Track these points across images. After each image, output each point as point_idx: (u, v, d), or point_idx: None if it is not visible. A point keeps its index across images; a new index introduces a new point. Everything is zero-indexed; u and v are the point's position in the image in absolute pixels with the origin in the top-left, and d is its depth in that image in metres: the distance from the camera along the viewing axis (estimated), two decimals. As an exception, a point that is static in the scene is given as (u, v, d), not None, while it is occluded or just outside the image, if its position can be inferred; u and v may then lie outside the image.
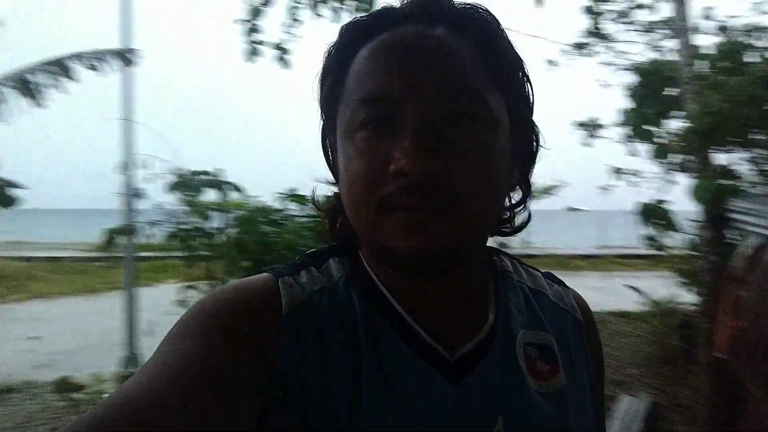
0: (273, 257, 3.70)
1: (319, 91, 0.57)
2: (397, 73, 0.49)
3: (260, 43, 6.14)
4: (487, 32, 0.53)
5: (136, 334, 4.56)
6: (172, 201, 3.66)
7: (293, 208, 4.57)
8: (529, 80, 0.57)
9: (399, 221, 0.48)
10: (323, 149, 0.60)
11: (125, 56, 3.70)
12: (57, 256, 15.96)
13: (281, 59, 6.32)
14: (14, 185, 2.97)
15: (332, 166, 0.59)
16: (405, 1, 0.54)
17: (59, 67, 3.43)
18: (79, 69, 3.54)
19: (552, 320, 0.61)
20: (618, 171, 5.38)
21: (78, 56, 3.54)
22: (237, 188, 3.85)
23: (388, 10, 0.54)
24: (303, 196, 4.68)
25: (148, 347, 4.83)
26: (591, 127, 8.90)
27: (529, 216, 0.62)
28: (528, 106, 0.57)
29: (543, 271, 0.69)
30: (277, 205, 4.33)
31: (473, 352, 0.54)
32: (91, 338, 7.32)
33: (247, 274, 0.67)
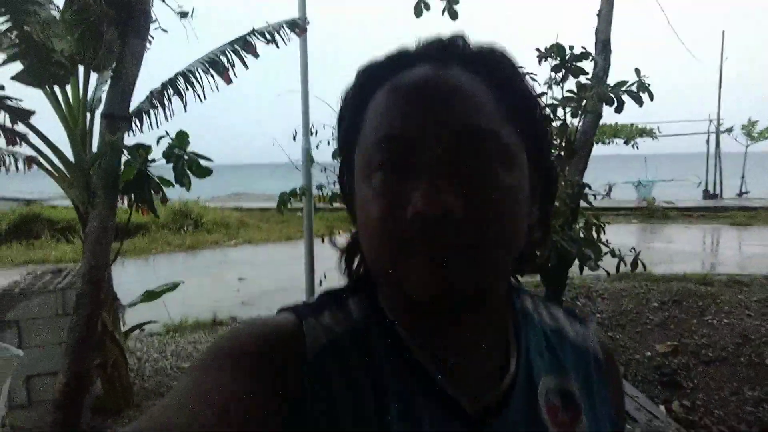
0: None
1: (336, 133, 0.58)
2: (412, 113, 0.49)
3: (429, -5, 6.12)
4: (502, 72, 0.53)
5: (314, 280, 5.10)
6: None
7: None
8: (546, 120, 0.57)
9: (418, 264, 0.47)
10: (341, 189, 0.60)
11: (297, 25, 3.95)
12: (266, 207, 18.07)
13: (451, 10, 6.23)
14: (206, 158, 3.42)
15: (350, 206, 0.58)
16: (420, 43, 0.55)
17: (242, 44, 3.80)
18: (258, 44, 3.88)
19: (573, 362, 0.60)
20: None
21: (257, 31, 3.88)
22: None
23: (403, 52, 0.55)
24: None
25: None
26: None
27: (550, 254, 0.56)
28: (545, 146, 0.57)
29: (564, 307, 0.68)
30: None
31: (495, 402, 0.53)
32: (284, 282, 8.31)
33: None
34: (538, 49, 4.43)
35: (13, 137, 3.39)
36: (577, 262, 4.04)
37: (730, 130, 21.37)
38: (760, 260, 9.75)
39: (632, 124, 17.78)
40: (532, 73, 4.26)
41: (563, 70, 4.30)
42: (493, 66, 0.53)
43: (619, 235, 11.16)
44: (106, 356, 3.66)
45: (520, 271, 0.60)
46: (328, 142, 4.31)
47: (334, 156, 3.81)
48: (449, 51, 0.53)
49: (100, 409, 3.76)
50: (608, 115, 4.28)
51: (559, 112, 4.39)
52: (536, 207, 0.56)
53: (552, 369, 0.58)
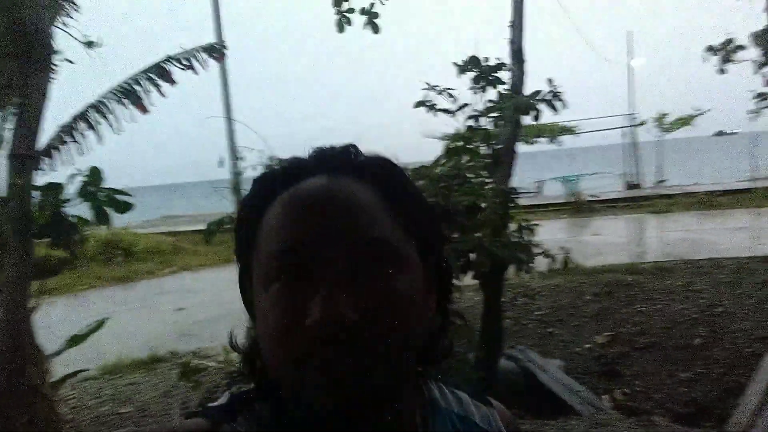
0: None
1: (235, 241, 0.59)
2: (307, 226, 0.51)
3: (350, 11, 6.17)
4: (391, 180, 0.56)
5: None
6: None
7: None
8: (436, 219, 0.61)
9: (318, 378, 0.47)
10: (241, 294, 0.60)
11: (215, 50, 3.86)
12: (201, 229, 17.47)
13: (372, 23, 6.30)
14: (124, 193, 3.27)
15: (250, 310, 0.58)
16: (314, 153, 0.58)
17: (156, 72, 3.67)
18: (174, 70, 3.76)
19: None
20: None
21: (172, 58, 3.76)
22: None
23: (297, 162, 0.57)
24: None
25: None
26: (725, 50, 7.80)
27: (452, 345, 0.62)
28: (436, 242, 0.60)
29: (468, 389, 0.70)
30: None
31: None
32: (226, 308, 8.06)
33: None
34: (455, 63, 4.55)
35: None
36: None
37: (643, 123, 22.79)
38: (681, 245, 10.40)
39: (554, 123, 18.60)
40: (450, 89, 4.38)
41: (482, 82, 4.43)
42: (383, 174, 0.56)
43: (550, 232, 11.60)
44: (35, 413, 3.41)
45: (424, 362, 0.60)
46: (253, 168, 4.26)
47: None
48: (340, 161, 0.56)
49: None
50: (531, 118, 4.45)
51: (482, 120, 4.52)
52: (432, 298, 0.58)
53: None
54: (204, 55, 3.78)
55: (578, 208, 16.94)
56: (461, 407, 0.66)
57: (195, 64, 3.78)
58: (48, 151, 3.51)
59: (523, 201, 4.68)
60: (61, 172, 3.72)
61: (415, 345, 0.53)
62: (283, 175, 0.56)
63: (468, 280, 4.24)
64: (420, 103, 4.64)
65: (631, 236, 13.21)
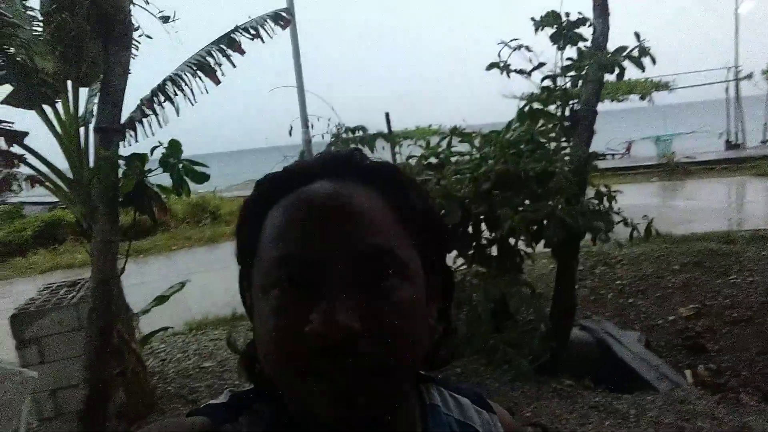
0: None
1: (236, 243, 0.58)
2: (310, 233, 0.50)
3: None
4: (396, 186, 0.55)
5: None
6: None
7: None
8: (440, 226, 0.60)
9: (320, 389, 0.47)
10: (241, 296, 0.60)
11: (281, 18, 3.88)
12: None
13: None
14: (201, 164, 3.42)
15: (250, 314, 0.57)
16: (319, 157, 0.57)
17: (226, 42, 3.75)
18: (243, 39, 3.82)
19: None
20: None
21: (240, 28, 3.82)
22: (386, 138, 3.90)
23: (301, 167, 0.56)
24: (468, 133, 4.56)
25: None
26: None
27: (454, 350, 0.62)
28: (440, 250, 0.59)
29: (471, 393, 0.69)
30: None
31: None
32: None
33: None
34: (533, 18, 4.28)
35: (10, 160, 3.43)
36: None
37: (749, 76, 20.59)
38: (786, 210, 9.48)
39: (646, 79, 17.26)
40: (525, 46, 4.14)
41: (561, 39, 4.15)
42: (388, 180, 0.55)
43: (639, 197, 10.95)
44: (125, 365, 3.74)
45: (426, 368, 0.61)
46: (322, 136, 4.32)
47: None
48: (345, 167, 0.55)
49: (125, 415, 3.85)
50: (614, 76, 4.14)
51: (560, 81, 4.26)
52: (435, 305, 0.58)
53: None
54: (271, 23, 3.81)
55: (671, 170, 15.78)
56: (462, 413, 0.65)
57: (262, 32, 3.83)
58: (131, 124, 3.73)
59: (609, 163, 4.40)
60: (144, 143, 3.96)
61: (418, 356, 0.53)
62: (286, 179, 0.55)
63: (540, 247, 4.11)
64: (493, 65, 4.44)
65: (729, 201, 12.19)
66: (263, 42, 3.73)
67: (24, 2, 3.50)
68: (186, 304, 5.88)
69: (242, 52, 3.74)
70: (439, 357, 0.60)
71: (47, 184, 3.68)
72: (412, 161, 4.39)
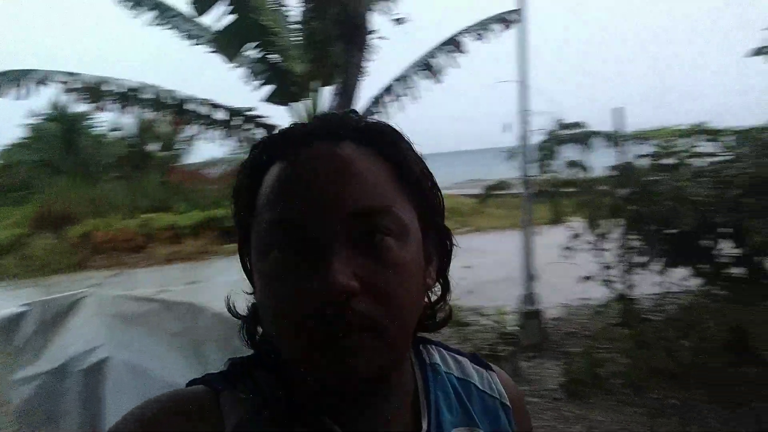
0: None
1: (233, 206, 0.57)
2: (306, 193, 0.50)
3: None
4: (393, 146, 0.55)
5: (531, 274, 5.04)
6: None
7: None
8: (436, 187, 0.59)
9: (320, 350, 0.48)
10: (240, 259, 0.59)
11: (505, 19, 3.91)
12: (503, 193, 18.01)
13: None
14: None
15: (249, 276, 0.57)
16: (315, 118, 0.57)
17: (452, 45, 3.94)
18: (468, 42, 3.97)
19: (481, 411, 0.64)
20: None
21: (466, 30, 3.97)
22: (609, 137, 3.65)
23: (297, 128, 0.55)
24: (717, 131, 4.02)
25: (540, 289, 5.21)
26: None
27: (450, 312, 0.62)
28: (437, 209, 0.59)
29: (470, 354, 0.69)
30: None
31: None
32: (510, 271, 8.25)
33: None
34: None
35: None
36: None
37: None
38: None
39: None
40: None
41: None
42: (384, 140, 0.54)
43: None
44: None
45: (424, 329, 0.61)
46: (540, 132, 4.24)
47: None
48: (342, 127, 0.54)
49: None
50: None
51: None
52: (433, 266, 0.59)
53: (462, 422, 0.61)
54: (494, 27, 3.87)
55: None
56: (461, 370, 0.66)
57: (486, 35, 3.92)
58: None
59: None
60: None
61: (415, 316, 0.54)
62: (282, 141, 0.54)
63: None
64: (760, 50, 3.84)
65: None
66: (487, 43, 3.83)
67: (284, 13, 4.12)
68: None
69: (464, 52, 3.89)
70: (438, 314, 0.61)
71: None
72: (644, 161, 4.05)
